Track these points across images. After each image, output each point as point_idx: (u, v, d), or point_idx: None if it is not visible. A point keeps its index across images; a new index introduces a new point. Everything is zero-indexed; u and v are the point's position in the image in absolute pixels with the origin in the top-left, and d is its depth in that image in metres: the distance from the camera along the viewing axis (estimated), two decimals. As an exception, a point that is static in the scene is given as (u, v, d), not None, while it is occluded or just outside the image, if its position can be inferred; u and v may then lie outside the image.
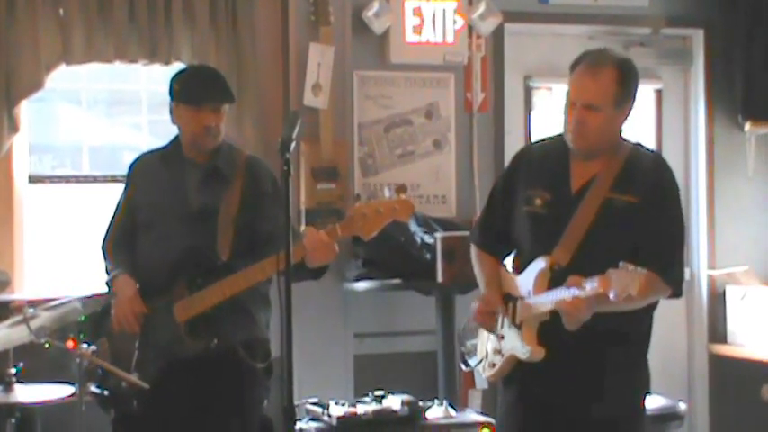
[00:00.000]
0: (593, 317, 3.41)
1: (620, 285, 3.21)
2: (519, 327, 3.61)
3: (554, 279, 3.52)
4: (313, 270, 4.00)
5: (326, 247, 3.90)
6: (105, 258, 4.32)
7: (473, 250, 3.90)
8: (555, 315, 3.49)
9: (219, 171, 4.20)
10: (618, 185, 3.58)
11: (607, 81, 3.55)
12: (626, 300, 3.26)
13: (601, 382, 3.58)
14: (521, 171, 3.77)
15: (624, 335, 3.59)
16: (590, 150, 3.60)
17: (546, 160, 3.72)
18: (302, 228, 5.46)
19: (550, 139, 3.81)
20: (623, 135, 3.68)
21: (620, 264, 3.22)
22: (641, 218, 3.55)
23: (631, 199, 3.56)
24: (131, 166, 4.39)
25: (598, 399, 3.58)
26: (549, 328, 3.53)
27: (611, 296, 3.24)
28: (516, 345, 3.62)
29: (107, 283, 4.24)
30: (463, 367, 4.10)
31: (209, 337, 4.03)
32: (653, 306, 3.66)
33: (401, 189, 3.95)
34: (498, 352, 3.72)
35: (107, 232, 4.36)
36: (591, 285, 3.31)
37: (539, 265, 3.57)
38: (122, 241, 4.29)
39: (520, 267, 3.69)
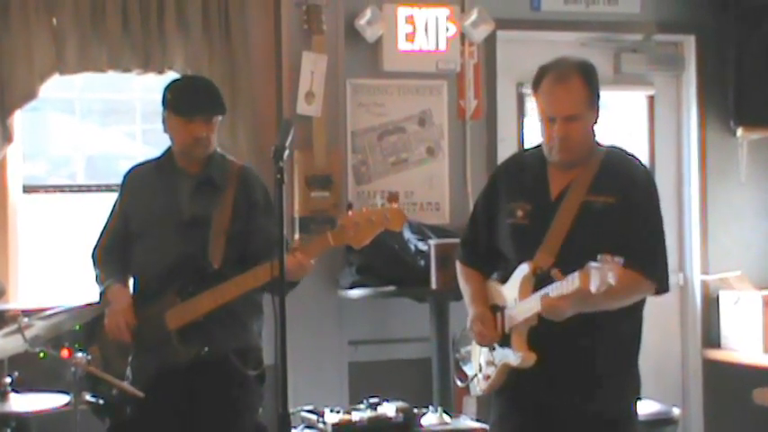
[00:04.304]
0: (579, 316, 3.44)
1: (599, 277, 3.23)
2: (509, 335, 3.63)
3: (538, 283, 3.55)
4: (289, 283, 4.00)
5: (302, 267, 3.94)
6: (95, 265, 4.34)
7: (459, 267, 3.93)
8: (544, 319, 3.51)
9: (212, 180, 4.21)
10: (595, 188, 3.62)
11: (578, 88, 3.59)
12: (608, 293, 3.28)
13: (591, 384, 3.61)
14: (500, 186, 3.81)
15: (613, 336, 3.61)
16: (575, 160, 3.64)
17: (523, 172, 3.76)
18: (296, 236, 5.49)
19: (527, 150, 3.84)
20: (597, 138, 3.72)
21: (599, 257, 3.25)
22: (619, 217, 3.58)
23: (609, 199, 3.60)
24: (126, 175, 4.42)
25: (589, 399, 3.60)
26: (539, 333, 3.56)
27: (592, 288, 3.26)
28: (507, 353, 3.64)
29: (100, 294, 4.26)
30: (459, 383, 4.10)
31: (201, 344, 4.04)
32: (639, 306, 3.68)
33: (393, 198, 3.98)
34: (491, 363, 3.74)
35: (98, 239, 4.38)
36: (572, 280, 3.33)
37: (522, 271, 3.60)
38: (114, 249, 4.32)
39: (505, 278, 3.71)
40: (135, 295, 4.22)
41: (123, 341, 4.12)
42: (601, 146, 3.73)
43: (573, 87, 3.58)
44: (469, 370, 3.92)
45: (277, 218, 3.67)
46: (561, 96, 3.58)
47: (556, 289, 3.41)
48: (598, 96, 3.66)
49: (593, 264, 3.26)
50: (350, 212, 4.01)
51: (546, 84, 3.62)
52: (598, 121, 3.68)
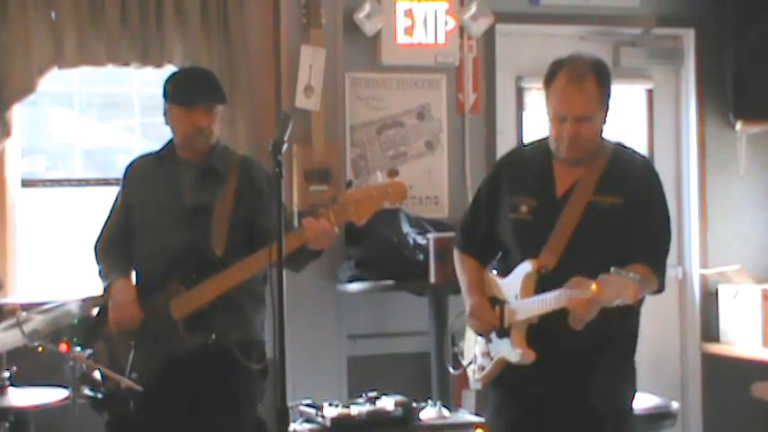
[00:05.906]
0: None
1: (612, 292, 3.22)
2: (507, 330, 3.62)
3: (541, 282, 3.53)
4: (315, 251, 4.00)
5: (327, 234, 3.89)
6: (97, 259, 4.33)
7: (457, 255, 3.91)
8: (543, 318, 3.50)
9: (214, 169, 4.21)
10: (601, 187, 3.60)
11: (592, 89, 3.56)
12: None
13: (588, 379, 3.60)
14: (504, 178, 3.79)
15: (611, 334, 3.60)
16: (583, 157, 3.62)
17: (529, 166, 3.74)
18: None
19: (532, 144, 3.83)
20: (603, 135, 3.70)
21: (612, 270, 3.23)
22: (626, 218, 3.56)
23: (615, 200, 3.58)
24: (126, 168, 4.41)
25: (585, 394, 3.60)
26: (537, 331, 3.55)
27: (605, 301, 3.25)
28: (506, 348, 3.63)
29: (105, 289, 4.24)
30: (451, 371, 4.10)
31: (207, 332, 4.03)
32: (638, 304, 3.67)
33: (393, 173, 3.92)
34: (487, 355, 3.74)
35: (100, 233, 4.37)
36: (587, 287, 3.31)
37: (525, 268, 3.57)
38: (116, 242, 4.30)
39: (505, 271, 3.70)
40: (139, 286, 4.21)
41: (128, 335, 4.12)
42: (606, 142, 3.71)
43: (587, 88, 3.55)
44: (464, 359, 3.92)
45: (275, 213, 3.66)
46: (575, 97, 3.55)
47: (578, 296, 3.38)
48: (609, 96, 3.63)
49: (606, 276, 3.23)
50: (350, 190, 3.99)
51: (559, 81, 3.58)
52: (607, 119, 3.66)
